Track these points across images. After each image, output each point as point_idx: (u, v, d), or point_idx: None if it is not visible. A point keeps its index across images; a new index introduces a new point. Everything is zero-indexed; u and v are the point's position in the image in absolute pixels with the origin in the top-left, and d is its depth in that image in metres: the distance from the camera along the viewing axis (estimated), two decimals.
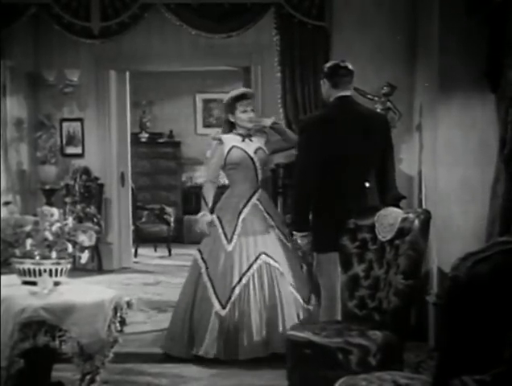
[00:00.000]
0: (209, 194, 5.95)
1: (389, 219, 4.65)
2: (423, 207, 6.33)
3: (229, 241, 5.79)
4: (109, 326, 4.57)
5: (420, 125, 6.65)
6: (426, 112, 6.49)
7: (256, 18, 7.31)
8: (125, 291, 6.09)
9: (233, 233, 5.80)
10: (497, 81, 5.62)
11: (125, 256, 10.04)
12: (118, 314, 4.63)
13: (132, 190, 10.53)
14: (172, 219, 11.94)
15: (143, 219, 11.80)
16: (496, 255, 2.73)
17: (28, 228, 4.66)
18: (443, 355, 2.83)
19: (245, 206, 5.87)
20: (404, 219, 4.57)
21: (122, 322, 4.65)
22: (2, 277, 4.55)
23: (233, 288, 5.67)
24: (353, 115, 5.11)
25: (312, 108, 7.34)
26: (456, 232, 5.92)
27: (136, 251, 11.06)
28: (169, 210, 11.97)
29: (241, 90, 6.20)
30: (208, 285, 5.72)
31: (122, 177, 9.95)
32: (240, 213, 5.85)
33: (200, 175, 13.40)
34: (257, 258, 5.74)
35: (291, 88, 7.22)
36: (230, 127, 6.01)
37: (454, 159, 6.01)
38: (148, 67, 9.89)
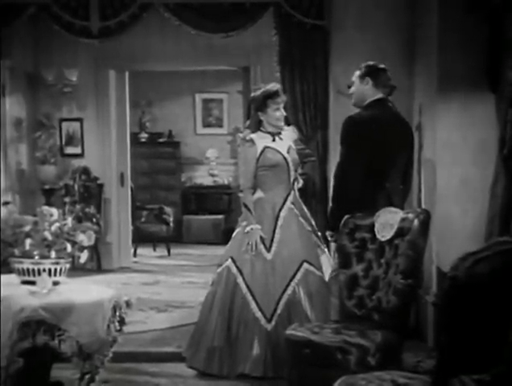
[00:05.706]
0: (251, 202, 5.49)
1: (388, 218, 4.65)
2: (423, 206, 6.33)
3: (268, 249, 5.42)
4: (108, 326, 4.56)
5: (420, 125, 6.63)
6: (425, 112, 6.48)
7: (255, 18, 7.32)
8: (124, 291, 6.07)
9: (272, 241, 5.43)
10: (496, 81, 5.62)
11: (124, 256, 10.03)
12: (117, 314, 4.63)
13: (131, 190, 10.52)
14: (171, 219, 11.92)
15: (142, 219, 11.78)
16: (495, 255, 2.73)
17: (27, 228, 4.66)
18: (442, 354, 2.83)
19: (280, 210, 5.48)
20: (403, 219, 4.57)
21: (121, 322, 4.65)
22: (2, 276, 4.55)
23: (279, 299, 5.31)
24: (393, 117, 5.21)
25: (312, 108, 7.34)
26: (455, 231, 5.91)
27: (135, 251, 11.04)
28: (168, 210, 11.95)
29: (273, 87, 5.59)
30: (249, 297, 5.34)
31: (122, 177, 9.94)
32: (277, 219, 5.48)
33: (199, 175, 13.42)
34: (299, 266, 5.38)
35: (290, 88, 7.22)
36: (258, 125, 5.58)
37: (453, 159, 6.00)
38: (147, 66, 9.90)
